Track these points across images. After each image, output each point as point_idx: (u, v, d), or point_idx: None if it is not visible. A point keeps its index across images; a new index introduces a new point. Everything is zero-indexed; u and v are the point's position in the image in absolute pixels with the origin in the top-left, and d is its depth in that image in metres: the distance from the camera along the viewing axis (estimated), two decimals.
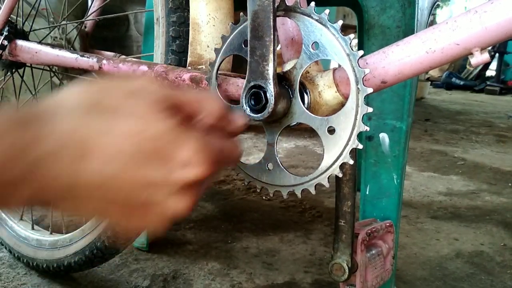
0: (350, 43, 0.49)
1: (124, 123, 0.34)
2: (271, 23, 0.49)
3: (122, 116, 0.34)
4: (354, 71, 0.49)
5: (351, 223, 0.64)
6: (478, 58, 0.46)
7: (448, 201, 1.82)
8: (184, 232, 1.41)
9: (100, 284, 1.11)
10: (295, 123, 0.54)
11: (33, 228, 1.17)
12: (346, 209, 0.63)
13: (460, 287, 1.17)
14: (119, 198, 0.35)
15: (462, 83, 6.77)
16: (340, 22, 0.50)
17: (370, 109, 0.49)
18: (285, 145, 2.58)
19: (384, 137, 0.85)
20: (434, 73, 7.14)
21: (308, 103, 0.54)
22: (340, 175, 0.51)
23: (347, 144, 0.50)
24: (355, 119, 0.49)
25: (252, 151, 2.44)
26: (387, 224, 0.77)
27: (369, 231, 0.71)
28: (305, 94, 0.54)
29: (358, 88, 0.49)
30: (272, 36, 0.50)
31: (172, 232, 1.41)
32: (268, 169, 0.56)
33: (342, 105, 0.53)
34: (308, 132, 2.91)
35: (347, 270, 0.65)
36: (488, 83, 6.69)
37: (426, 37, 0.49)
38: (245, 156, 2.33)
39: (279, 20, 0.56)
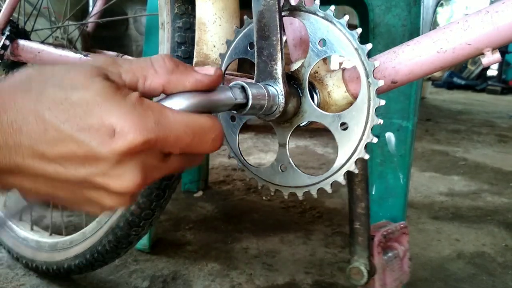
0: (358, 37, 0.49)
1: (50, 91, 0.32)
2: (277, 22, 0.49)
3: (50, 84, 0.33)
4: (364, 65, 0.48)
5: (366, 225, 0.63)
6: (490, 58, 0.46)
7: (449, 202, 1.82)
8: (183, 233, 1.40)
9: (100, 285, 1.11)
10: (306, 123, 0.53)
11: (32, 229, 1.17)
12: (360, 211, 0.62)
13: (461, 287, 1.17)
14: (58, 177, 0.33)
15: (463, 82, 6.78)
16: (347, 17, 0.50)
17: (383, 102, 0.48)
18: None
19: (390, 136, 0.84)
20: (436, 73, 7.16)
21: (317, 103, 0.53)
22: (356, 171, 0.50)
23: (361, 139, 0.49)
24: (368, 112, 0.48)
25: (252, 151, 2.43)
26: (402, 226, 0.75)
27: (385, 233, 0.69)
28: (314, 94, 0.53)
29: (369, 82, 0.48)
30: (279, 35, 0.49)
31: (171, 232, 1.40)
32: (281, 170, 0.55)
33: (351, 105, 0.52)
34: (309, 132, 2.90)
35: (366, 274, 0.63)
36: (489, 82, 6.70)
37: (437, 37, 0.48)
38: (245, 156, 2.32)
39: (286, 20, 0.55)
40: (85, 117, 0.32)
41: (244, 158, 0.59)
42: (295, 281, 1.16)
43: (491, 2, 0.56)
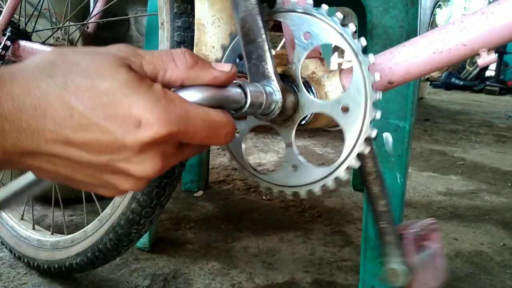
0: (340, 22, 0.49)
1: (76, 79, 0.32)
2: (260, 24, 0.50)
3: (76, 72, 0.33)
4: (351, 46, 0.49)
5: (391, 222, 0.61)
6: (486, 59, 0.46)
7: (447, 201, 1.82)
8: (184, 232, 1.41)
9: (101, 283, 1.11)
10: (308, 119, 0.53)
11: (34, 228, 1.17)
12: (381, 209, 0.60)
13: (459, 286, 1.17)
14: (80, 160, 0.34)
15: (461, 83, 6.79)
16: (326, 7, 0.51)
17: (377, 76, 0.48)
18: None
19: (387, 136, 0.85)
20: (434, 73, 7.16)
21: None
22: (367, 150, 0.50)
23: (364, 117, 0.49)
24: (365, 90, 0.48)
25: (252, 151, 2.44)
26: (429, 222, 0.71)
27: (414, 230, 0.66)
28: (312, 95, 0.54)
29: (359, 61, 0.48)
30: (264, 36, 0.50)
31: (172, 232, 1.41)
32: (294, 170, 0.55)
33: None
34: (308, 132, 2.91)
35: (403, 274, 0.60)
36: (487, 83, 6.70)
37: (433, 38, 0.49)
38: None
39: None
40: (112, 107, 0.33)
41: (254, 169, 0.59)
42: (294, 280, 1.16)
43: (489, 3, 0.56)
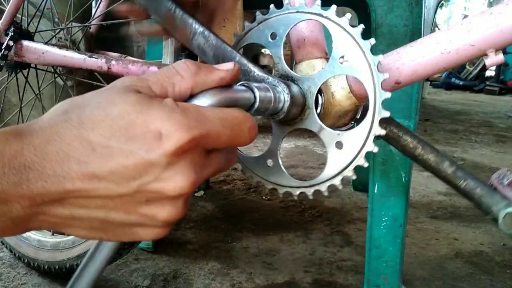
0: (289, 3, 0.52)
1: (89, 114, 0.33)
2: (229, 48, 0.54)
3: (88, 109, 0.33)
4: (336, 22, 0.50)
5: (470, 174, 0.58)
6: (493, 59, 0.46)
7: (447, 201, 1.82)
8: (184, 232, 1.41)
9: (101, 283, 1.11)
10: (321, 102, 0.54)
11: None
12: (450, 171, 0.57)
13: (459, 287, 1.17)
14: (111, 194, 0.33)
15: (461, 83, 6.79)
16: (272, 6, 0.53)
17: (361, 26, 0.49)
18: (285, 145, 2.58)
19: None
20: None
21: (322, 103, 0.54)
22: (389, 94, 0.48)
23: (368, 62, 0.48)
24: (360, 47, 0.49)
25: (251, 151, 2.44)
26: (509, 171, 0.66)
27: (499, 177, 0.62)
28: (319, 96, 0.53)
29: (345, 30, 0.50)
30: (238, 54, 0.53)
31: (172, 232, 1.41)
32: (339, 148, 0.52)
33: (355, 105, 0.52)
34: (308, 132, 2.90)
35: None
36: (487, 83, 6.71)
37: (440, 38, 0.49)
38: None
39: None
40: (130, 128, 0.32)
41: (309, 180, 0.55)
42: (294, 280, 1.16)
43: (489, 3, 0.56)
